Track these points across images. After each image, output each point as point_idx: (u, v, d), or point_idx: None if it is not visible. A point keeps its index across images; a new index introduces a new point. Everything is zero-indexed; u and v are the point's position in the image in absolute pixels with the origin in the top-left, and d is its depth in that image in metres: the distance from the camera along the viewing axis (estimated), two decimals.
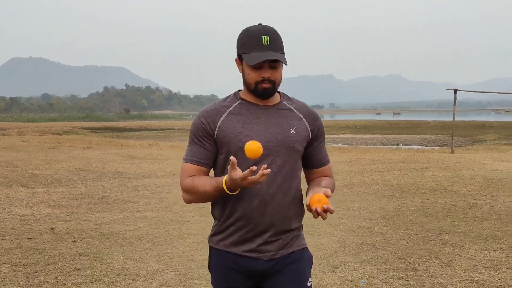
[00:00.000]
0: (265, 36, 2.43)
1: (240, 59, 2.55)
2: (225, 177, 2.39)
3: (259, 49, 2.43)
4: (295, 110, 2.66)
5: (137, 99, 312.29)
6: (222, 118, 2.55)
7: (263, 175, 2.27)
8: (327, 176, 2.78)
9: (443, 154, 20.86)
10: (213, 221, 2.69)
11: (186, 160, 2.58)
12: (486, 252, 6.51)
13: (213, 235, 2.66)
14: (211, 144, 2.55)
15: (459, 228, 7.79)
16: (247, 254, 2.54)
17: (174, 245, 6.82)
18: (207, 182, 2.48)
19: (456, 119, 24.16)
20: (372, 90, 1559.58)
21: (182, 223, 8.12)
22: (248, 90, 2.57)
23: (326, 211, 2.36)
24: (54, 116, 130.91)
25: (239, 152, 2.44)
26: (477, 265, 5.97)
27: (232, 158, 2.29)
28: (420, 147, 32.73)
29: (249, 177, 2.28)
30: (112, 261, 6.11)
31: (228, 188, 2.39)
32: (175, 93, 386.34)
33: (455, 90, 22.79)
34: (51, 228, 7.59)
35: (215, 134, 2.53)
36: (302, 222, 2.72)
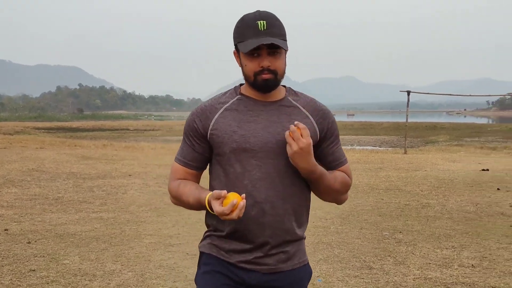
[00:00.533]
0: (261, 21, 2.19)
1: (237, 50, 2.31)
2: (208, 195, 2.18)
3: (255, 35, 2.19)
4: (300, 107, 2.37)
5: (90, 99, 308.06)
6: (216, 116, 2.31)
7: (237, 208, 2.07)
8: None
9: (397, 155, 21.21)
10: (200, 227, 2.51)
11: (175, 159, 2.42)
12: (438, 250, 6.66)
13: (205, 240, 2.45)
14: (202, 145, 2.35)
15: (413, 227, 7.96)
16: (242, 265, 2.32)
17: (131, 245, 6.78)
18: (191, 192, 2.29)
19: (409, 120, 24.58)
20: (327, 92, 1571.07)
21: (139, 223, 8.07)
22: (249, 84, 2.32)
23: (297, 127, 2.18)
24: (5, 116, 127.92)
25: (233, 154, 2.26)
26: (430, 263, 6.11)
27: (215, 193, 2.10)
28: (374, 148, 33.18)
29: (228, 213, 2.08)
30: (68, 262, 6.04)
31: (209, 205, 2.18)
32: (129, 93, 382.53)
33: (408, 92, 23.23)
34: (5, 230, 7.46)
35: (208, 135, 2.31)
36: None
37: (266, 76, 2.22)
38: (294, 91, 2.42)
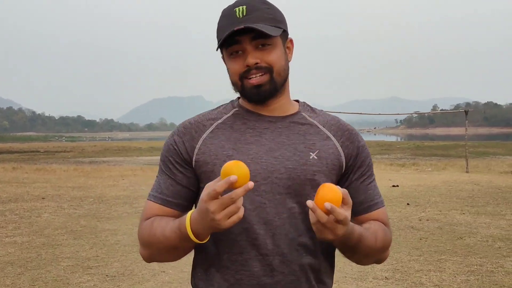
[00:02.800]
0: (240, 7, 1.64)
1: (222, 54, 1.76)
2: (190, 212, 1.56)
3: (231, 25, 1.62)
4: (319, 125, 1.78)
5: None
6: (204, 136, 1.72)
7: (244, 192, 1.41)
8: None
9: None
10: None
11: (149, 196, 1.78)
12: (353, 264, 6.87)
13: None
14: (185, 175, 1.73)
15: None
16: None
17: (48, 269, 6.65)
18: (169, 222, 1.64)
19: None
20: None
21: (55, 246, 7.91)
22: (240, 95, 1.76)
23: (329, 213, 1.43)
24: None
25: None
26: (345, 276, 6.31)
27: (232, 178, 1.39)
28: None
29: (224, 197, 1.42)
30: None
31: (193, 228, 1.52)
32: (39, 114, 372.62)
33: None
34: None
35: (193, 160, 1.71)
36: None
37: (255, 79, 1.65)
38: (311, 107, 1.85)
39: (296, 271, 1.67)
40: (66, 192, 14.61)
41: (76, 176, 20.36)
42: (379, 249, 1.75)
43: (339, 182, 1.75)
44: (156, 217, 1.70)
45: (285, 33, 1.72)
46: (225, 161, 1.51)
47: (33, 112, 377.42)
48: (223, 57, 1.75)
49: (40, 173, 22.32)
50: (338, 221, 1.44)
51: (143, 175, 19.81)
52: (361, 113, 33.30)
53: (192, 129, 1.74)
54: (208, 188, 1.43)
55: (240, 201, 1.43)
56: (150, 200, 1.76)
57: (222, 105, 1.83)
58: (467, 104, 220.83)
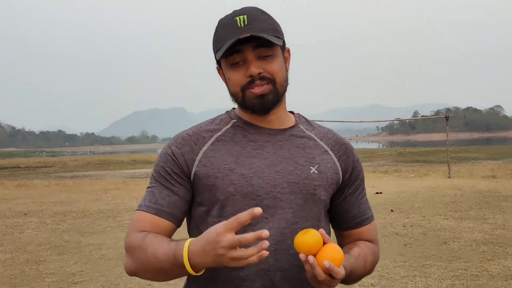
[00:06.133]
0: (241, 16, 1.61)
1: (219, 65, 1.73)
2: (189, 240, 1.45)
3: (233, 34, 1.58)
4: (316, 139, 1.77)
5: None
6: (204, 148, 1.67)
7: (261, 250, 1.35)
8: (367, 241, 1.82)
9: None
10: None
11: (139, 207, 1.66)
12: None
13: None
14: (183, 187, 1.66)
15: None
16: None
17: (33, 285, 6.60)
18: (164, 243, 1.52)
19: None
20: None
21: (39, 262, 7.84)
22: (240, 106, 1.72)
23: (328, 272, 1.44)
24: None
25: (229, 202, 1.61)
26: None
27: (256, 210, 1.35)
28: None
29: (240, 248, 1.36)
30: None
31: (191, 259, 1.42)
32: (19, 129, 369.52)
33: None
34: None
35: (192, 173, 1.65)
36: None
37: (259, 89, 1.61)
38: (306, 119, 1.85)
39: (297, 287, 1.63)
40: (49, 208, 14.49)
41: (59, 191, 20.20)
42: (368, 272, 1.77)
43: (334, 196, 1.76)
44: (149, 233, 1.58)
45: (283, 44, 1.70)
46: (227, 175, 1.60)
47: (13, 128, 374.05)
48: (219, 68, 1.73)
49: (22, 189, 22.13)
50: (335, 279, 1.46)
51: (125, 189, 19.71)
52: (343, 121, 33.34)
53: (191, 141, 1.68)
54: (228, 220, 1.36)
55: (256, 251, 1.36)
56: (142, 211, 1.64)
57: (218, 117, 1.79)
58: (448, 109, 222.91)
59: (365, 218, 1.80)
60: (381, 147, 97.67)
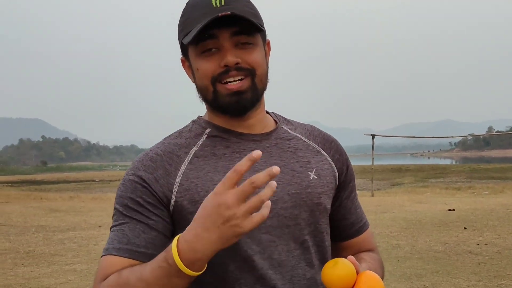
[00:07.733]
0: None
1: (185, 55, 1.43)
2: (178, 236, 1.15)
3: (208, 14, 1.29)
4: (304, 139, 1.52)
5: (54, 151, 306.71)
6: (183, 168, 1.36)
7: (273, 189, 1.06)
8: (368, 251, 1.62)
9: (364, 198, 21.41)
10: None
11: (107, 251, 1.32)
12: None
13: None
14: (161, 219, 1.34)
15: (384, 268, 8.07)
16: None
17: None
18: (147, 265, 1.21)
19: (374, 163, 24.98)
20: None
21: None
22: (209, 105, 1.43)
23: None
24: None
25: None
26: None
27: (255, 153, 1.05)
28: None
29: (244, 185, 1.06)
30: None
31: (184, 253, 1.11)
32: (93, 143, 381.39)
33: (373, 135, 23.66)
34: None
35: (172, 201, 1.34)
36: None
37: (234, 84, 1.33)
38: (283, 117, 1.59)
39: None
40: None
41: None
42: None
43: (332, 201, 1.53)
44: (124, 270, 1.25)
45: (264, 33, 1.42)
46: None
47: (88, 142, 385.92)
48: (184, 59, 1.45)
49: (96, 201, 22.77)
50: None
51: None
52: (414, 137, 32.89)
53: (163, 162, 1.37)
54: (225, 176, 1.08)
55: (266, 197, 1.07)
56: (111, 255, 1.30)
57: (184, 128, 1.48)
58: None
59: (363, 224, 1.61)
60: (454, 163, 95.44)
